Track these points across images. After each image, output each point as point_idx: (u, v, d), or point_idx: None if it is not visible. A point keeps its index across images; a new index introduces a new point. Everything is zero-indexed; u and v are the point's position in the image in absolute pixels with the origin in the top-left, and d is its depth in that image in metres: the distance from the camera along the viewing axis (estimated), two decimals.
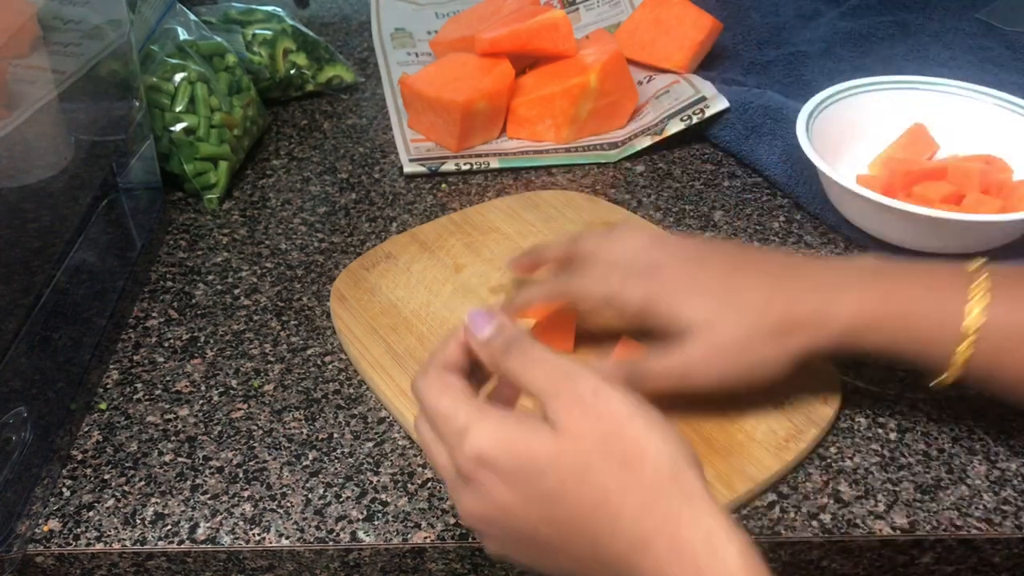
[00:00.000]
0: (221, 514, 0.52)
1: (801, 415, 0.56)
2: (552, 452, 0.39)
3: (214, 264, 0.70)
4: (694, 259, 0.54)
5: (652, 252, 0.54)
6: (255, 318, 0.65)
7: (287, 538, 0.51)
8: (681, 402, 0.56)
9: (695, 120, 0.81)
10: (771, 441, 0.54)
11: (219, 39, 0.81)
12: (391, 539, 0.51)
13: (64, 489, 0.54)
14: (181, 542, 0.51)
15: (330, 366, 0.61)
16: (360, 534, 0.51)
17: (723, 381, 0.51)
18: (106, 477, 0.54)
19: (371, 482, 0.54)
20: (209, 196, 0.76)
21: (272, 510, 0.52)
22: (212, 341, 0.63)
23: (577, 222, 0.72)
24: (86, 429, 0.57)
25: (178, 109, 0.74)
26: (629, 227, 0.58)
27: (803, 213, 0.75)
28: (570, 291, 0.56)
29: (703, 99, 0.82)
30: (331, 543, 0.51)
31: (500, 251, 0.68)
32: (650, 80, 0.89)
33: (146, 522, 0.52)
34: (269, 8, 0.93)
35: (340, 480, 0.54)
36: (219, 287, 0.68)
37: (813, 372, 0.58)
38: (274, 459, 0.55)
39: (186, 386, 0.60)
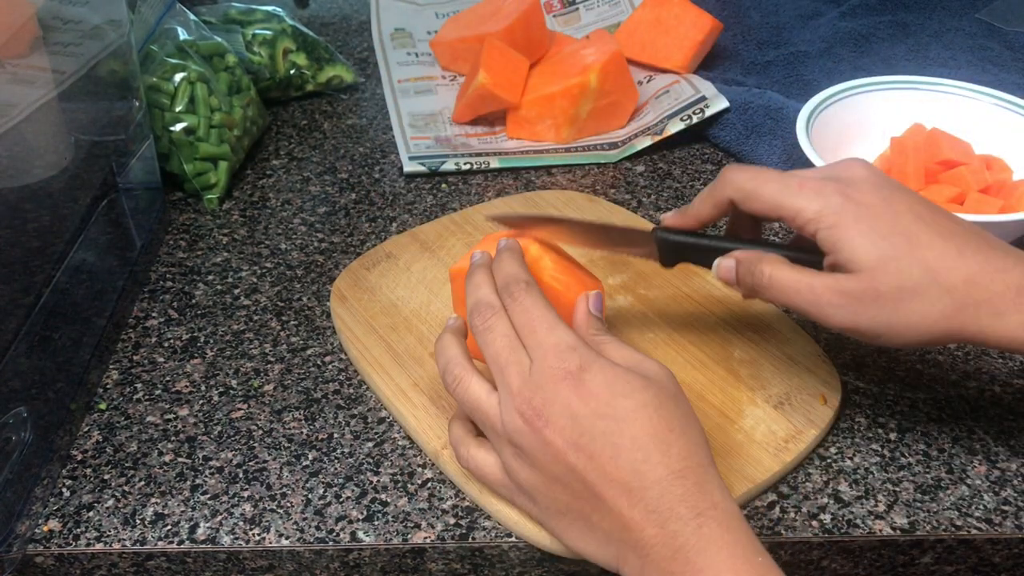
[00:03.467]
0: (221, 514, 0.52)
1: (801, 416, 0.56)
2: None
3: (214, 264, 0.70)
4: (882, 189, 0.49)
5: (838, 167, 0.51)
6: (255, 318, 0.65)
7: (287, 538, 0.51)
8: None
9: (695, 120, 0.81)
10: (770, 442, 0.54)
11: (219, 39, 0.81)
12: (391, 539, 0.51)
13: (64, 489, 0.53)
14: (181, 542, 0.51)
15: (330, 366, 0.61)
16: (360, 534, 0.51)
17: (858, 326, 0.47)
18: (106, 477, 0.54)
19: (371, 482, 0.54)
20: (209, 196, 0.76)
21: (272, 510, 0.52)
22: (212, 341, 0.63)
23: None
24: (86, 429, 0.57)
25: (178, 109, 0.74)
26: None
27: None
28: (736, 188, 0.51)
29: (703, 99, 0.82)
30: (331, 543, 0.51)
31: None
32: (650, 80, 0.89)
33: (146, 522, 0.52)
34: (269, 8, 0.93)
35: (340, 480, 0.54)
36: (219, 287, 0.68)
37: (813, 372, 0.58)
38: (274, 459, 0.55)
39: (186, 386, 0.60)
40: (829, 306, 0.47)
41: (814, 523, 0.51)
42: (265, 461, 0.55)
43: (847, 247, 0.47)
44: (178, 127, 0.74)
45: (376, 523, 0.51)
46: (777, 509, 0.52)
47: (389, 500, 0.53)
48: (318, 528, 0.51)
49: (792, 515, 0.52)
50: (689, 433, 0.44)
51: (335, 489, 0.53)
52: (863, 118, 0.76)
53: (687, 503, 0.42)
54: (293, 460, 0.55)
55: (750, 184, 0.51)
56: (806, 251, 0.50)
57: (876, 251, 0.46)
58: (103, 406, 0.59)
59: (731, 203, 0.52)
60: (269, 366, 0.61)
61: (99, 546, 0.50)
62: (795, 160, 0.77)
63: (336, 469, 0.54)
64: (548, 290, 0.52)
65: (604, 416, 0.44)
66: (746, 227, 0.55)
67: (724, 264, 0.52)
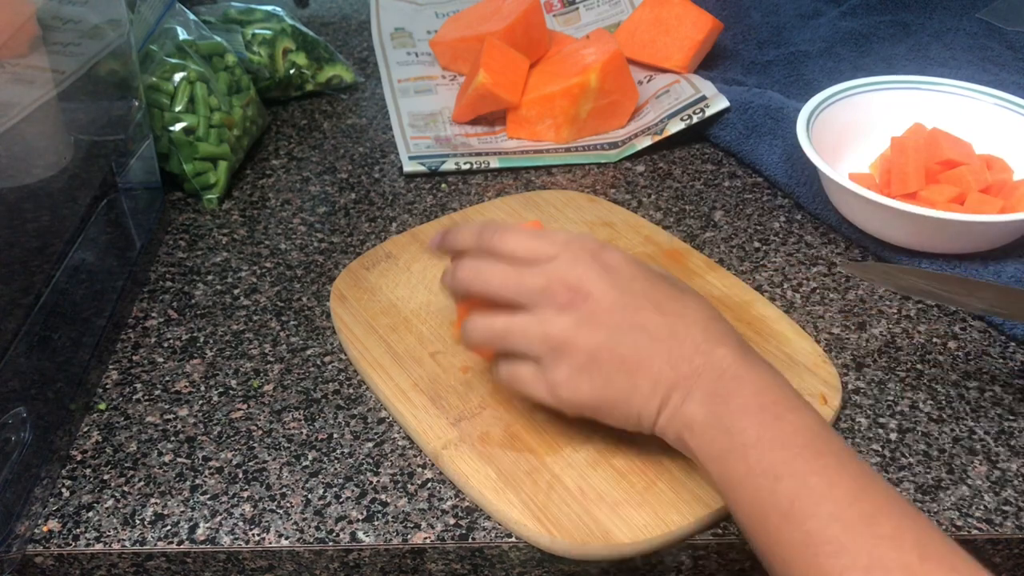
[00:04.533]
0: (221, 514, 0.52)
1: None
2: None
3: (214, 264, 0.70)
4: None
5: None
6: (255, 318, 0.65)
7: (287, 538, 0.51)
8: None
9: (695, 120, 0.81)
10: None
11: (219, 39, 0.81)
12: (391, 539, 0.51)
13: (63, 489, 0.53)
14: (181, 542, 0.51)
15: (330, 366, 0.61)
16: (360, 534, 0.51)
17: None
18: (105, 477, 0.54)
19: (371, 482, 0.54)
20: (209, 196, 0.76)
21: (272, 510, 0.52)
22: (212, 341, 0.63)
23: (578, 222, 0.72)
24: (85, 429, 0.57)
25: (178, 109, 0.74)
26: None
27: (803, 213, 0.75)
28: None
29: (703, 99, 0.82)
30: (331, 543, 0.51)
31: None
32: (650, 80, 0.89)
33: (146, 522, 0.52)
34: (269, 8, 0.93)
35: (340, 480, 0.54)
36: (219, 287, 0.68)
37: (813, 372, 0.58)
38: (274, 459, 0.55)
39: (186, 386, 0.60)
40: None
41: None
42: (265, 461, 0.55)
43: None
44: (178, 127, 0.74)
45: (376, 523, 0.51)
46: None
47: (389, 500, 0.53)
48: (318, 528, 0.51)
49: None
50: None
51: (335, 489, 0.53)
52: (863, 118, 0.76)
53: (729, 336, 0.48)
54: (293, 460, 0.55)
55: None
56: None
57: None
58: (103, 406, 0.59)
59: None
60: (269, 366, 0.61)
61: (99, 546, 0.50)
62: (795, 160, 0.77)
63: (336, 469, 0.54)
64: None
65: (636, 278, 0.49)
66: None
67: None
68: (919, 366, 0.61)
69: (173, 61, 0.75)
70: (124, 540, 0.51)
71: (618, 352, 0.47)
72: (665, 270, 0.52)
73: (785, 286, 0.68)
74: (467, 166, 0.80)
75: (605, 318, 0.47)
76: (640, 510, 0.50)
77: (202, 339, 0.64)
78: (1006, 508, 0.52)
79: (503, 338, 0.51)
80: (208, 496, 0.53)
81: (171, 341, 0.63)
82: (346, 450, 0.56)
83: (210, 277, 0.69)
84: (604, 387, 0.48)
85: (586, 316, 0.48)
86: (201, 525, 0.51)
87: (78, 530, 0.51)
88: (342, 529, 0.51)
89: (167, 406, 0.59)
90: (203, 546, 0.50)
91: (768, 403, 0.45)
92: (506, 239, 0.51)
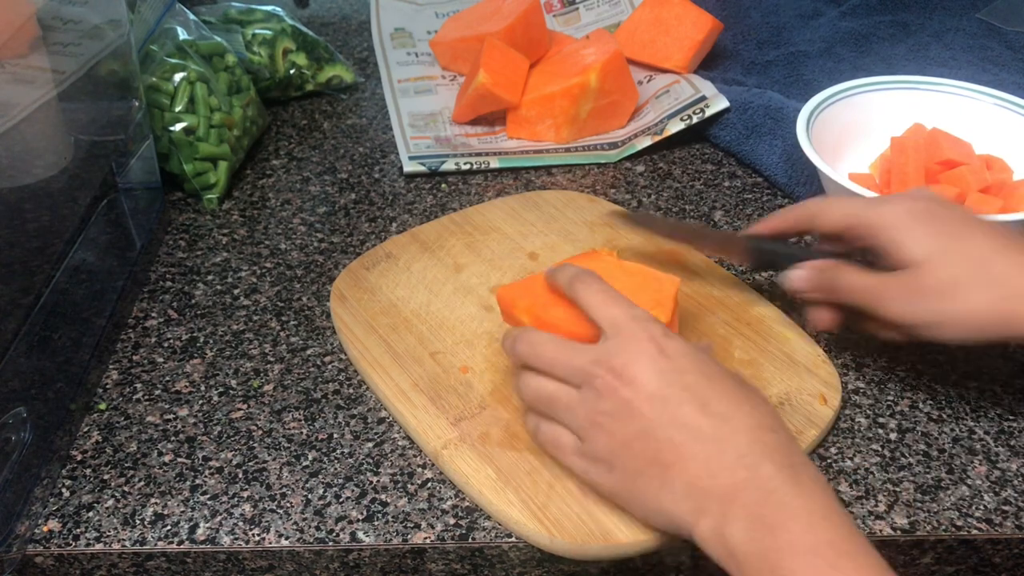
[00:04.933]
0: (221, 514, 0.52)
1: (801, 415, 0.56)
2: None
3: (214, 264, 0.70)
4: (935, 200, 0.54)
5: (906, 191, 0.58)
6: (255, 318, 0.65)
7: (287, 538, 0.51)
8: None
9: (695, 120, 0.81)
10: None
11: (219, 39, 0.81)
12: (391, 539, 0.51)
13: (64, 489, 0.53)
14: (181, 542, 0.51)
15: (330, 366, 0.61)
16: (360, 534, 0.51)
17: (914, 319, 0.52)
18: (106, 477, 0.54)
19: (371, 482, 0.54)
20: (209, 196, 0.76)
21: (272, 510, 0.52)
22: (212, 341, 0.63)
23: (578, 222, 0.72)
24: (86, 429, 0.57)
25: (178, 109, 0.74)
26: None
27: None
28: (812, 206, 0.58)
29: (703, 99, 0.82)
30: (331, 543, 0.51)
31: (500, 251, 0.68)
32: (650, 80, 0.89)
33: (146, 522, 0.52)
34: (269, 8, 0.93)
35: (340, 480, 0.54)
36: (219, 287, 0.68)
37: (813, 372, 0.58)
38: (274, 459, 0.55)
39: (186, 386, 0.60)
40: (887, 300, 0.52)
41: None
42: (265, 461, 0.55)
43: (901, 247, 0.52)
44: (178, 127, 0.74)
45: (376, 523, 0.51)
46: None
47: (389, 500, 0.53)
48: (318, 528, 0.51)
49: None
50: (770, 405, 0.47)
51: (335, 489, 0.53)
52: (863, 118, 0.76)
53: (780, 452, 0.43)
54: (293, 460, 0.55)
55: (824, 201, 0.57)
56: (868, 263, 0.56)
57: (927, 248, 0.51)
58: (103, 406, 0.59)
59: (806, 219, 0.58)
60: (269, 366, 0.61)
61: (99, 546, 0.50)
62: (795, 160, 0.77)
63: (336, 469, 0.54)
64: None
65: (690, 371, 0.46)
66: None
67: (796, 274, 0.57)
68: (919, 366, 0.61)
69: (173, 61, 0.75)
70: (124, 540, 0.51)
71: (652, 446, 0.45)
72: (734, 371, 0.48)
73: None
74: (467, 166, 0.80)
75: (645, 408, 0.45)
76: None
77: (202, 339, 0.64)
78: (1006, 508, 0.52)
79: (549, 405, 0.50)
80: (208, 496, 0.53)
81: (171, 341, 0.63)
82: (346, 450, 0.56)
83: (210, 277, 0.69)
84: (633, 478, 0.46)
85: (623, 403, 0.46)
86: (201, 525, 0.51)
87: (78, 530, 0.51)
88: (342, 529, 0.51)
89: (167, 406, 0.59)
90: (203, 546, 0.50)
91: (822, 544, 0.40)
92: (581, 296, 0.50)
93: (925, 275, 0.51)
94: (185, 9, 0.82)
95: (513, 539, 0.51)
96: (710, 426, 0.44)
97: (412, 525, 0.51)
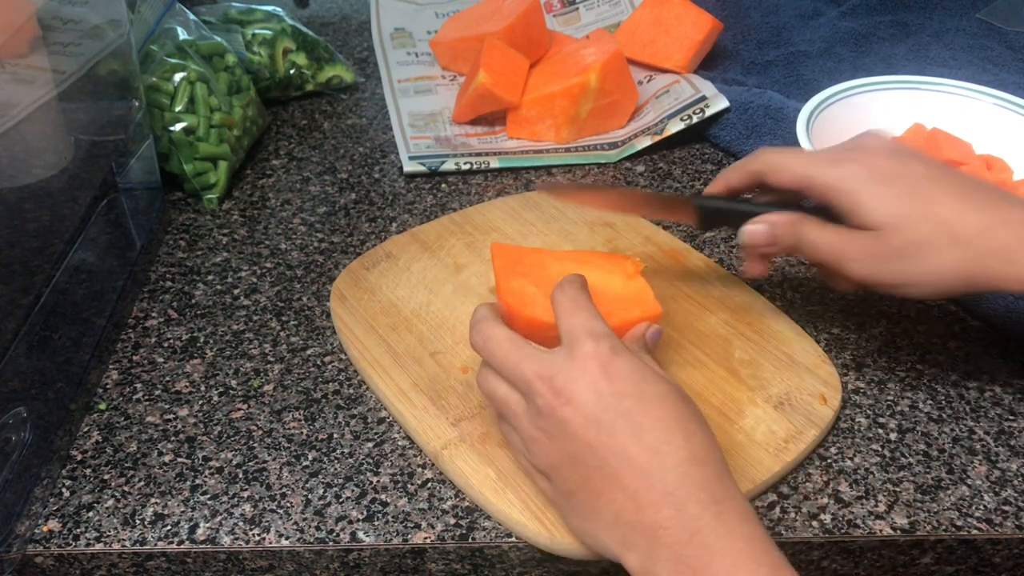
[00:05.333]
0: (221, 514, 0.52)
1: (801, 415, 0.56)
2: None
3: (214, 264, 0.70)
4: (896, 156, 0.52)
5: (857, 140, 0.55)
6: (255, 318, 0.65)
7: (287, 538, 0.51)
8: None
9: (695, 120, 0.81)
10: (771, 442, 0.54)
11: (219, 39, 0.81)
12: (391, 539, 0.51)
13: (64, 489, 0.53)
14: (181, 542, 0.51)
15: (330, 366, 0.61)
16: (360, 534, 0.51)
17: (878, 279, 0.51)
18: (106, 477, 0.54)
19: (371, 482, 0.54)
20: (209, 196, 0.76)
21: (272, 510, 0.52)
22: (212, 341, 0.63)
23: (578, 222, 0.72)
24: (86, 429, 0.57)
25: (178, 109, 0.74)
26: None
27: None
28: (765, 161, 0.56)
29: (703, 99, 0.82)
30: (331, 543, 0.51)
31: None
32: (650, 80, 0.89)
33: (146, 522, 0.52)
34: (269, 8, 0.93)
35: (340, 480, 0.54)
36: (219, 287, 0.68)
37: (813, 372, 0.58)
38: (274, 459, 0.55)
39: (186, 386, 0.60)
40: (851, 260, 0.52)
41: (814, 523, 0.51)
42: (265, 461, 0.55)
43: (863, 209, 0.51)
44: (178, 127, 0.74)
45: (376, 523, 0.51)
46: (777, 509, 0.52)
47: (389, 500, 0.53)
48: (318, 528, 0.51)
49: (792, 515, 0.52)
50: (709, 432, 0.45)
51: (335, 489, 0.53)
52: (863, 118, 0.76)
53: (707, 490, 0.42)
54: (293, 460, 0.55)
55: (777, 157, 0.55)
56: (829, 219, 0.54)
57: (890, 210, 0.50)
58: (103, 406, 0.59)
59: (758, 175, 0.56)
60: (269, 366, 0.61)
61: (99, 546, 0.50)
62: None
63: (336, 469, 0.54)
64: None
65: (629, 395, 0.44)
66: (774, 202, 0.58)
67: (755, 228, 0.56)
68: (919, 366, 0.61)
69: (173, 61, 0.75)
70: (124, 540, 0.51)
71: (583, 471, 0.44)
72: (676, 388, 0.46)
73: (785, 286, 0.68)
74: (467, 166, 0.80)
75: (580, 432, 0.44)
76: None
77: (202, 339, 0.64)
78: (1006, 508, 0.52)
79: (500, 407, 0.49)
80: (208, 496, 0.53)
81: (171, 341, 0.63)
82: (346, 450, 0.56)
83: (210, 277, 0.69)
84: (567, 497, 0.46)
85: (560, 423, 0.45)
86: (201, 525, 0.51)
87: (78, 530, 0.51)
88: (342, 529, 0.51)
89: (167, 406, 0.59)
90: (203, 546, 0.50)
91: None
92: (554, 298, 0.49)
93: (889, 238, 0.50)
94: (185, 9, 0.82)
95: (513, 539, 0.51)
96: (640, 457, 0.43)
97: (412, 525, 0.51)
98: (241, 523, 0.51)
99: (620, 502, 0.43)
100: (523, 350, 0.47)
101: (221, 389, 0.60)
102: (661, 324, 0.61)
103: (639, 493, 0.42)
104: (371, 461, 0.55)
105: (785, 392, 0.57)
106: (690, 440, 0.43)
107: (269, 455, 0.55)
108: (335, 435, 0.56)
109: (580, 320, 0.47)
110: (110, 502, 0.53)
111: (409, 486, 0.53)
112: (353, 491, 0.53)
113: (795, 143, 0.72)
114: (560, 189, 0.61)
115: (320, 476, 0.54)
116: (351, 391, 0.60)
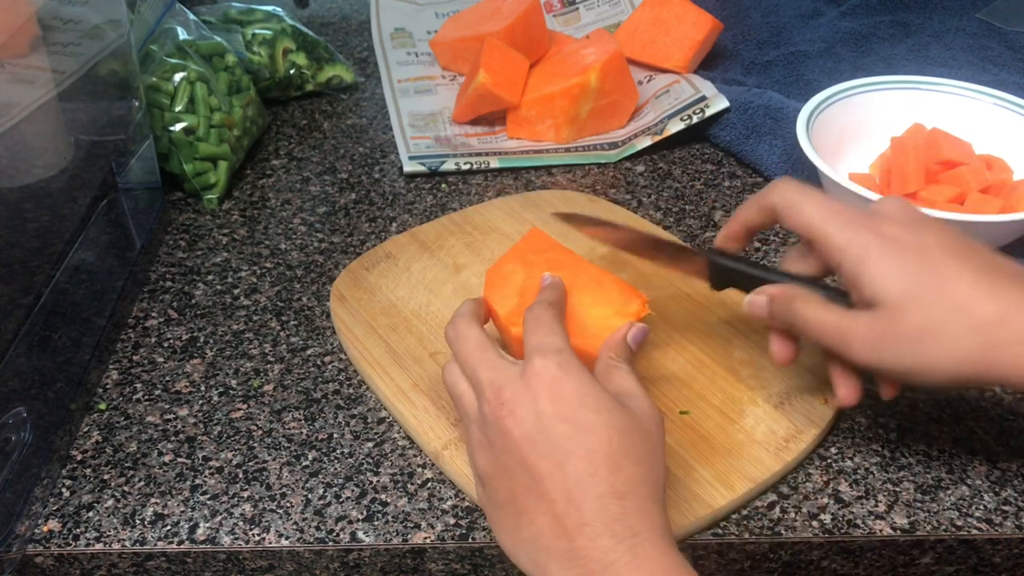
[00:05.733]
0: (221, 514, 0.52)
1: (801, 415, 0.56)
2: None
3: (214, 264, 0.70)
4: (912, 225, 0.48)
5: (876, 204, 0.50)
6: (255, 318, 0.65)
7: (287, 538, 0.51)
8: (680, 399, 0.56)
9: (695, 120, 0.81)
10: (771, 441, 0.54)
11: (219, 39, 0.81)
12: (391, 539, 0.51)
13: (64, 489, 0.53)
14: (181, 542, 0.51)
15: (330, 366, 0.61)
16: (360, 534, 0.51)
17: (882, 366, 0.47)
18: (106, 477, 0.54)
19: (371, 482, 0.54)
20: (209, 196, 0.76)
21: (272, 510, 0.52)
22: (212, 341, 0.63)
23: None
24: (86, 429, 0.57)
25: (178, 109, 0.74)
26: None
27: None
28: (783, 197, 0.51)
29: (703, 99, 0.82)
30: (331, 543, 0.51)
31: (500, 251, 0.68)
32: (650, 80, 0.89)
33: (146, 522, 0.52)
34: (269, 8, 0.93)
35: (340, 480, 0.54)
36: (219, 287, 0.68)
37: (813, 372, 0.58)
38: (274, 459, 0.55)
39: (186, 386, 0.60)
40: (854, 344, 0.47)
41: (814, 523, 0.51)
42: (265, 461, 0.55)
43: (871, 282, 0.46)
44: (178, 127, 0.74)
45: (376, 523, 0.51)
46: (777, 509, 0.52)
47: (389, 500, 0.53)
48: (318, 528, 0.51)
49: (792, 515, 0.52)
50: (645, 466, 0.44)
51: (335, 489, 0.53)
52: (863, 118, 0.76)
53: (624, 523, 0.41)
54: (293, 460, 0.55)
55: (795, 196, 0.50)
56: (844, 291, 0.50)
57: (899, 287, 0.46)
58: (103, 406, 0.59)
59: (775, 212, 0.52)
60: (269, 366, 0.61)
61: (99, 546, 0.50)
62: (795, 160, 0.77)
63: (336, 469, 0.54)
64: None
65: (566, 420, 0.43)
66: (797, 261, 0.54)
67: (755, 300, 0.53)
68: None
69: (173, 61, 0.75)
70: (124, 540, 0.51)
71: (511, 485, 0.44)
72: (628, 437, 0.44)
73: None
74: (467, 166, 0.80)
75: (515, 446, 0.44)
76: None
77: (202, 339, 0.64)
78: (1006, 508, 0.52)
79: (455, 403, 0.49)
80: (208, 496, 0.53)
81: (171, 341, 0.63)
82: (346, 450, 0.56)
83: (210, 277, 0.69)
84: (495, 507, 0.46)
85: (502, 434, 0.44)
86: (201, 525, 0.51)
87: (78, 530, 0.51)
88: (342, 529, 0.51)
89: (167, 406, 0.59)
90: (203, 546, 0.50)
91: None
92: (526, 315, 0.49)
93: (897, 319, 0.45)
94: (185, 9, 0.82)
95: None
96: (564, 484, 0.42)
97: (412, 525, 0.51)
98: (241, 523, 0.51)
99: (540, 525, 0.43)
100: (486, 354, 0.47)
101: (221, 389, 0.60)
102: (659, 323, 0.61)
103: (557, 519, 0.42)
104: (371, 461, 0.55)
105: (785, 392, 0.57)
106: (615, 474, 0.43)
107: (269, 455, 0.55)
108: (335, 435, 0.56)
109: (538, 337, 0.47)
110: (110, 502, 0.53)
111: (409, 486, 0.53)
112: (353, 491, 0.53)
113: (795, 143, 0.72)
114: (577, 221, 0.60)
115: (320, 476, 0.54)
116: (351, 391, 0.60)
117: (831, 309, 0.49)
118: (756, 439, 0.54)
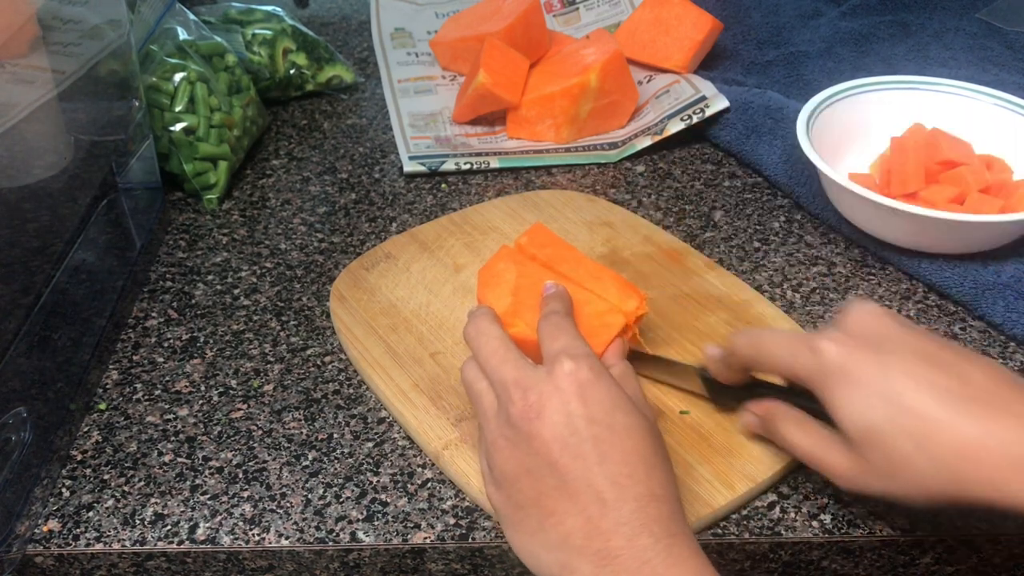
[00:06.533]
0: (221, 514, 0.52)
1: None
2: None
3: (214, 264, 0.70)
4: (874, 341, 0.46)
5: (841, 313, 0.48)
6: (255, 318, 0.65)
7: (287, 538, 0.51)
8: (680, 399, 0.56)
9: (695, 120, 0.81)
10: (771, 441, 0.54)
11: (219, 39, 0.81)
12: (391, 539, 0.51)
13: (64, 489, 0.53)
14: (181, 542, 0.51)
15: (330, 366, 0.61)
16: (360, 534, 0.51)
17: (864, 492, 0.46)
18: (106, 477, 0.54)
19: (371, 482, 0.54)
20: (209, 196, 0.76)
21: (272, 510, 0.52)
22: (212, 341, 0.63)
23: (577, 222, 0.72)
24: (86, 429, 0.57)
25: (178, 109, 0.74)
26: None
27: (803, 213, 0.75)
28: (745, 355, 0.51)
29: (703, 99, 0.82)
30: (331, 543, 0.51)
31: None
32: (650, 80, 0.89)
33: (146, 522, 0.52)
34: (269, 8, 0.93)
35: (340, 480, 0.54)
36: (219, 287, 0.68)
37: None
38: (274, 459, 0.55)
39: (186, 386, 0.60)
40: (838, 478, 0.47)
41: (814, 523, 0.51)
42: (265, 461, 0.55)
43: (837, 413, 0.45)
44: (178, 127, 0.74)
45: (376, 523, 0.51)
46: (777, 509, 0.52)
47: (389, 500, 0.53)
48: (318, 528, 0.51)
49: (792, 515, 0.52)
50: (669, 468, 0.45)
51: (335, 489, 0.53)
52: (863, 118, 0.76)
53: (661, 524, 0.42)
54: (293, 460, 0.55)
55: (752, 352, 0.50)
56: None
57: (862, 421, 0.44)
58: (103, 406, 0.59)
59: (747, 369, 0.52)
60: (269, 366, 0.61)
61: (99, 546, 0.50)
62: (795, 160, 0.77)
63: (336, 469, 0.54)
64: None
65: (600, 422, 0.44)
66: None
67: (749, 420, 0.53)
68: None
69: (173, 61, 0.75)
70: (124, 540, 0.51)
71: (539, 487, 0.44)
72: (651, 420, 0.46)
73: (785, 286, 0.68)
74: (467, 166, 0.80)
75: (544, 448, 0.44)
76: None
77: (202, 339, 0.64)
78: None
79: (474, 402, 0.49)
80: (208, 496, 0.53)
81: (171, 341, 0.63)
82: (346, 450, 0.56)
83: (210, 277, 0.69)
84: (514, 509, 0.46)
85: (526, 437, 0.44)
86: (201, 525, 0.51)
87: (78, 530, 0.51)
88: (342, 529, 0.51)
89: (167, 406, 0.59)
90: (203, 546, 0.50)
91: None
92: (539, 325, 0.50)
93: (866, 453, 0.45)
94: (185, 9, 0.82)
95: None
96: (600, 485, 0.43)
97: (412, 525, 0.51)
98: (241, 523, 0.51)
99: (571, 525, 0.43)
100: (510, 352, 0.48)
101: (221, 389, 0.60)
102: (659, 323, 0.61)
103: (592, 520, 0.42)
104: (371, 461, 0.55)
105: None
106: (651, 476, 0.43)
107: (269, 455, 0.55)
108: (335, 435, 0.56)
109: (562, 343, 0.47)
110: (110, 502, 0.53)
111: (409, 486, 0.53)
112: (353, 491, 0.53)
113: (795, 143, 0.72)
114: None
115: (320, 476, 0.54)
116: (351, 391, 0.60)
117: (812, 433, 0.48)
118: (756, 439, 0.54)
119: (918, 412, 0.43)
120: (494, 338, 0.49)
